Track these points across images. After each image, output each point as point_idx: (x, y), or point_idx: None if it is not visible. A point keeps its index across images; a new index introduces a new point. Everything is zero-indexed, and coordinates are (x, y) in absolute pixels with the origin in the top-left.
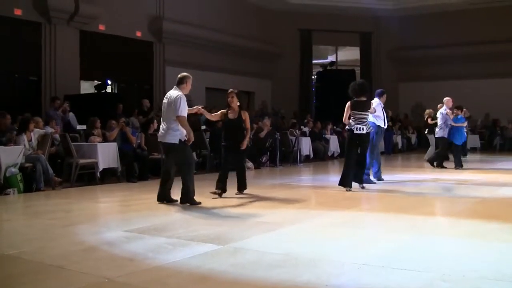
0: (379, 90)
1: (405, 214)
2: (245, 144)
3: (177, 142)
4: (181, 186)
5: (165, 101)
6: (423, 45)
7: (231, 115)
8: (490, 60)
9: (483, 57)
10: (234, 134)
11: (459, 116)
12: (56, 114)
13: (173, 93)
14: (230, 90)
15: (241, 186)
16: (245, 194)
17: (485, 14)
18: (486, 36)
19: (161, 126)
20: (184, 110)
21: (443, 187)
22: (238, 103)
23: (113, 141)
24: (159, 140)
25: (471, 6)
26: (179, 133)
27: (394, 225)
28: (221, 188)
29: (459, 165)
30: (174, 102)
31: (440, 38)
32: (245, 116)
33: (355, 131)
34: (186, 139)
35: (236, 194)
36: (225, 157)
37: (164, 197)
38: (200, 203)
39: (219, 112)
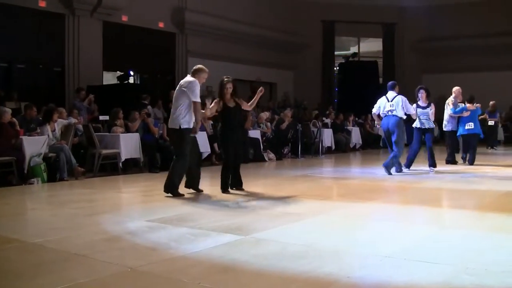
0: (391, 83)
1: (428, 206)
2: (249, 124)
3: (177, 127)
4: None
5: (177, 88)
6: (447, 36)
7: (230, 104)
8: None
9: (508, 48)
10: (235, 123)
11: (460, 107)
12: (81, 105)
13: (188, 78)
14: (228, 78)
15: (239, 183)
16: (267, 185)
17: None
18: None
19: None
20: (198, 96)
21: (466, 180)
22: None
23: (135, 131)
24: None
25: None
26: (182, 119)
27: (417, 218)
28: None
29: (468, 161)
30: (190, 87)
31: (465, 29)
32: (241, 101)
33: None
34: (191, 127)
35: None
36: (228, 149)
37: (191, 185)
38: (183, 195)
39: (213, 104)
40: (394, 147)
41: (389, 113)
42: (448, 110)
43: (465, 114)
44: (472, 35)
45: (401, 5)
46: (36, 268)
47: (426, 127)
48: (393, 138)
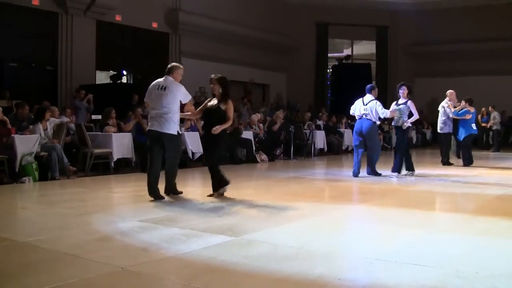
0: (369, 86)
1: (419, 209)
2: (218, 130)
3: (176, 133)
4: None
5: (161, 91)
6: (440, 40)
7: (210, 103)
8: (508, 56)
9: (501, 53)
10: (209, 124)
11: (463, 109)
12: (81, 104)
13: (170, 80)
14: (212, 76)
15: (216, 185)
16: (259, 186)
17: (503, 10)
18: (504, 32)
19: (156, 115)
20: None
21: (457, 184)
22: (221, 90)
23: (128, 131)
24: (154, 129)
25: (489, 1)
26: (177, 125)
27: (408, 221)
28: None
29: (467, 163)
30: (179, 90)
31: (458, 33)
32: (227, 105)
33: None
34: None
35: (209, 195)
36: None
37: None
38: (181, 192)
39: (201, 106)
40: (369, 153)
41: (364, 116)
42: (450, 113)
43: (468, 116)
44: (465, 40)
45: (394, 8)
46: (26, 267)
47: (399, 124)
48: (368, 144)
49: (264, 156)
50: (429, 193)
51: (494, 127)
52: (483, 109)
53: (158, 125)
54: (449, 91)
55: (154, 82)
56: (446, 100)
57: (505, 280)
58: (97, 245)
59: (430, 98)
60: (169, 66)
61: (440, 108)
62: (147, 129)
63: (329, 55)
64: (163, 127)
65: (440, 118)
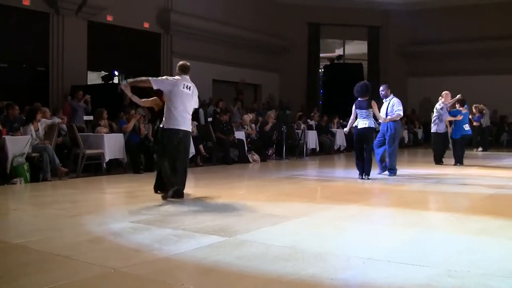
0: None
1: (411, 209)
2: (126, 90)
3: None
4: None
5: (188, 91)
6: (432, 40)
7: None
8: (500, 56)
9: (492, 52)
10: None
11: (454, 110)
12: (78, 105)
13: (192, 84)
14: None
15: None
16: (251, 187)
17: (495, 9)
18: (496, 32)
19: (183, 115)
20: None
21: (449, 183)
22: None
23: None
24: (184, 128)
25: (480, 1)
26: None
27: (400, 220)
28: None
29: (458, 161)
30: (196, 94)
31: (449, 33)
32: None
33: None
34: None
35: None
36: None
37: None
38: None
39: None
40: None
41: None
42: (444, 114)
43: (459, 117)
44: (456, 39)
45: (386, 8)
46: (18, 269)
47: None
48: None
49: (256, 156)
50: (421, 193)
51: (485, 125)
52: (473, 106)
53: (186, 124)
54: (444, 92)
55: (179, 79)
56: (441, 101)
57: (497, 278)
58: (89, 246)
59: (422, 97)
60: (188, 65)
61: (434, 109)
62: (170, 127)
63: (321, 55)
64: (188, 126)
65: (432, 118)
